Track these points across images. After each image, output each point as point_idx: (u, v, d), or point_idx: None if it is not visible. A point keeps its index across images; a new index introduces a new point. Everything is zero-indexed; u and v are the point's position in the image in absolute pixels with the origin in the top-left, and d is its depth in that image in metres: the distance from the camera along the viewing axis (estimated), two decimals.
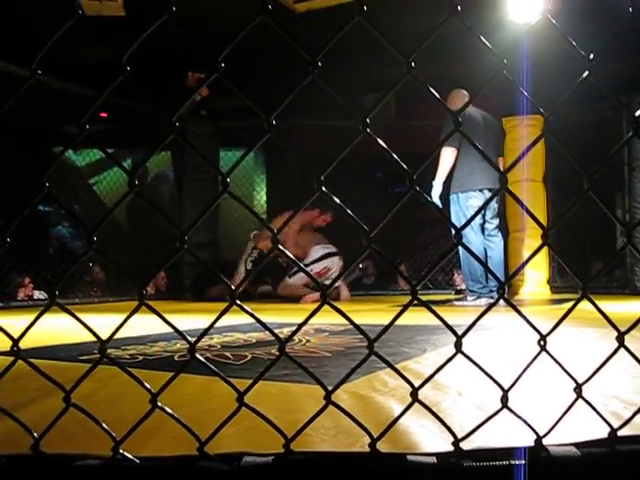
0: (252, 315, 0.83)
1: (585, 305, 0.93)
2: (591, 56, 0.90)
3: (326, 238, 6.20)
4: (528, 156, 5.60)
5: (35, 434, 0.86)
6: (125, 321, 0.82)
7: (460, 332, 0.88)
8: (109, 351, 0.85)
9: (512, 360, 1.94)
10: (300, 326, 0.86)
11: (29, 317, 0.80)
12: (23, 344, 0.85)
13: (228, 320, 0.85)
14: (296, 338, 2.57)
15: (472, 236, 5.00)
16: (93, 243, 0.80)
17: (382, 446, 0.87)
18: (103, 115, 6.19)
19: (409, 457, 0.86)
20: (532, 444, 0.88)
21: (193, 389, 1.55)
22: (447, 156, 4.97)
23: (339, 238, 6.13)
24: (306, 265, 5.76)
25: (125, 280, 6.35)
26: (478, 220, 5.12)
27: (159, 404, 0.84)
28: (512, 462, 0.84)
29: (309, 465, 0.85)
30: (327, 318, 3.05)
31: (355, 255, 0.92)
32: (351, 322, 0.85)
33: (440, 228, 6.88)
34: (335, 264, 6.02)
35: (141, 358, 2.14)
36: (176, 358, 2.13)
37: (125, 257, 6.19)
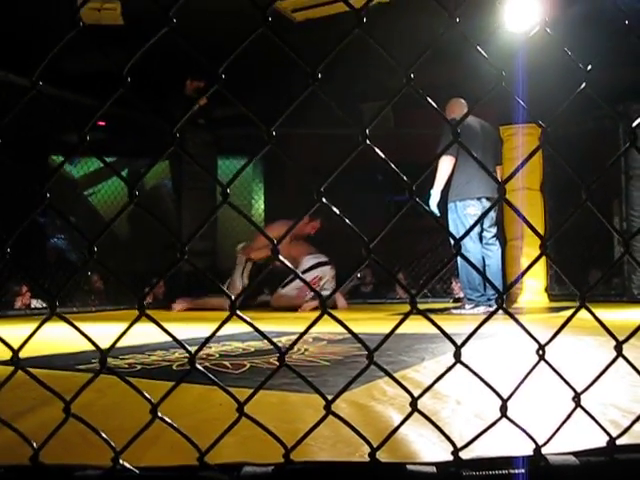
0: (251, 325, 0.83)
1: (583, 313, 0.94)
2: (589, 67, 0.91)
3: (316, 247, 6.21)
4: (526, 165, 5.58)
5: (34, 444, 0.86)
6: (126, 331, 0.82)
7: (458, 341, 0.88)
8: (107, 360, 0.85)
9: (511, 369, 1.94)
10: (300, 336, 0.87)
11: (27, 326, 0.81)
12: (20, 353, 0.85)
13: (227, 329, 0.85)
14: (295, 347, 2.57)
15: (470, 245, 5.01)
16: (93, 253, 0.80)
17: (381, 455, 0.87)
18: (101, 124, 6.19)
19: (409, 466, 0.86)
20: (531, 453, 0.88)
21: (192, 398, 1.55)
22: (445, 164, 4.99)
23: (329, 245, 6.14)
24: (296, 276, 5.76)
25: (123, 289, 6.33)
26: (476, 229, 5.13)
27: (159, 414, 0.84)
28: (511, 471, 0.84)
29: (309, 475, 0.85)
30: (325, 327, 3.04)
31: (347, 262, 0.93)
32: (350, 332, 0.85)
33: (438, 236, 6.89)
34: (326, 273, 6.04)
35: (139, 367, 2.13)
36: (174, 367, 2.13)
37: (123, 265, 6.18)
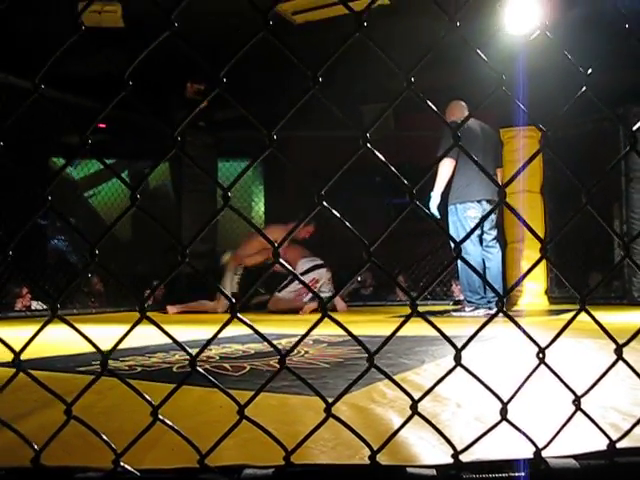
0: (251, 327, 0.83)
1: (583, 316, 0.94)
2: (589, 71, 0.91)
3: (310, 250, 6.22)
4: (526, 167, 5.58)
5: (35, 446, 0.86)
6: (127, 334, 0.82)
7: (459, 343, 0.88)
8: (108, 362, 0.85)
9: (511, 372, 1.94)
10: (301, 339, 0.87)
11: (27, 328, 0.81)
12: (21, 355, 0.85)
13: (227, 331, 0.86)
14: (294, 350, 2.57)
15: (470, 247, 5.01)
16: (95, 256, 0.80)
17: (382, 458, 0.87)
18: (102, 126, 6.19)
19: (409, 469, 0.86)
20: (531, 456, 0.88)
21: (192, 400, 1.55)
22: (445, 167, 4.98)
23: (326, 248, 6.16)
24: (293, 279, 5.80)
25: (123, 291, 6.33)
26: (476, 231, 5.13)
27: (160, 416, 0.84)
28: (511, 474, 0.84)
29: (309, 477, 0.85)
30: (325, 329, 3.04)
31: (346, 265, 0.93)
32: (351, 335, 0.85)
33: (438, 239, 6.88)
34: (323, 275, 6.07)
35: (140, 369, 2.13)
36: (175, 369, 2.13)
37: (124, 267, 6.18)
